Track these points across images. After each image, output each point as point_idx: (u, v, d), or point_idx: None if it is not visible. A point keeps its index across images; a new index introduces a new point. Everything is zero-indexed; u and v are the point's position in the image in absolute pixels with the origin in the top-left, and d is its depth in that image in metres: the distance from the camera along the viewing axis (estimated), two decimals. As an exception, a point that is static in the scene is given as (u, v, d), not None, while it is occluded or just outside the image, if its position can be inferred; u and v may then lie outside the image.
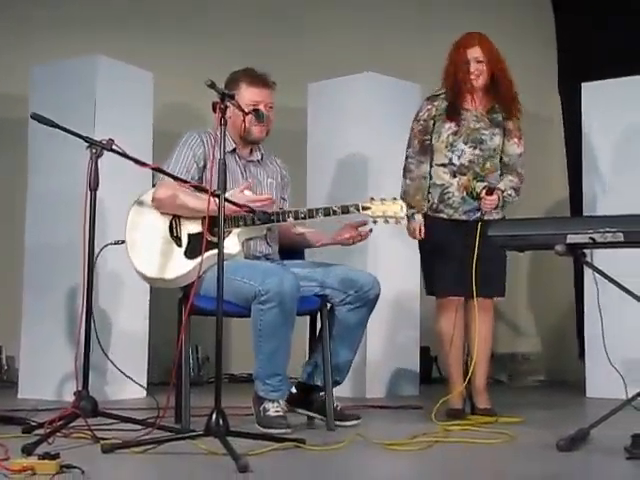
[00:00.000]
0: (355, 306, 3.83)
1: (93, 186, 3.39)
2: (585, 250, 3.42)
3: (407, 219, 4.19)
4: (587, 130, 5.56)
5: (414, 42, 6.91)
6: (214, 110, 3.30)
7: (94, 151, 3.37)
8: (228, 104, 3.25)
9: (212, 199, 3.23)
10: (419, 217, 4.30)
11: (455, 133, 4.28)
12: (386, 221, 3.76)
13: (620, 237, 3.13)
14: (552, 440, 3.21)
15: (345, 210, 3.74)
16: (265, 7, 6.73)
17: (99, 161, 3.39)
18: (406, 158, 4.37)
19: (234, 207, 3.54)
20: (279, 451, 3.11)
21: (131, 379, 3.75)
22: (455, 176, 4.28)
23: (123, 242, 3.79)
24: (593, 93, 5.55)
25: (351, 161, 5.56)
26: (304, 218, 3.78)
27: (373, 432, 3.54)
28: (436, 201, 4.30)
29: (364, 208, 3.74)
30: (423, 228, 4.28)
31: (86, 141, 3.37)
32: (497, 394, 4.94)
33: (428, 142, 4.32)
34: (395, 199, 3.77)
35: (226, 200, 3.26)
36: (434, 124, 4.32)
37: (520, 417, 4.12)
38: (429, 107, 4.34)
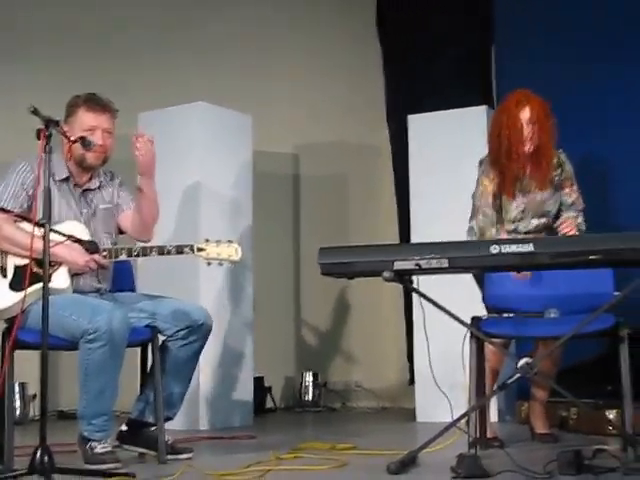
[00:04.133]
0: (187, 341, 3.79)
1: None
2: (413, 277, 3.51)
3: None
4: (413, 159, 5.75)
5: (246, 74, 6.95)
6: (38, 137, 3.21)
7: None
8: (53, 131, 3.17)
9: (37, 231, 3.14)
10: None
11: (523, 210, 4.22)
12: (220, 263, 3.75)
13: (445, 263, 3.23)
14: (383, 464, 3.27)
15: (179, 250, 3.71)
16: (93, 34, 6.60)
17: None
18: (475, 213, 4.23)
19: (60, 238, 3.45)
20: (108, 487, 3.04)
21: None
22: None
23: (-59, 271, 3.62)
24: (418, 124, 5.76)
25: (183, 192, 5.51)
26: (137, 255, 3.72)
27: (206, 463, 3.50)
28: None
29: (199, 249, 3.71)
30: None
31: None
32: (330, 422, 4.99)
33: (499, 201, 4.22)
34: (230, 242, 3.75)
35: (51, 230, 3.17)
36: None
37: (352, 443, 4.16)
38: (492, 177, 4.19)
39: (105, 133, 3.83)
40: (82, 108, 3.82)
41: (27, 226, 3.49)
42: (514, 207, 4.24)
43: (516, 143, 4.13)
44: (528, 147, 4.15)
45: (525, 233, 4.25)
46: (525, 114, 4.13)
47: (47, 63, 6.40)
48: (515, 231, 4.26)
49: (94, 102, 3.84)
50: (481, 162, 4.32)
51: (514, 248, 3.20)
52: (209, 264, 3.76)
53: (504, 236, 4.17)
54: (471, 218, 4.28)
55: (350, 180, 7.40)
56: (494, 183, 4.20)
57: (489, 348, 4.06)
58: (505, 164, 4.16)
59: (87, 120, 3.80)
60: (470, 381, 3.81)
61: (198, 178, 5.50)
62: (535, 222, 4.28)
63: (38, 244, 3.22)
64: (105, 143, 3.83)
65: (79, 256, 3.63)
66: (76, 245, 3.57)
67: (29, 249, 3.27)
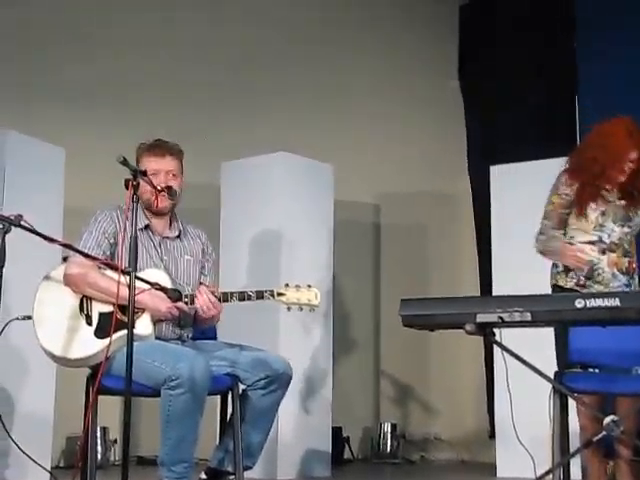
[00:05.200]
0: (268, 390, 3.77)
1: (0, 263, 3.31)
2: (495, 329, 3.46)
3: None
4: (496, 209, 5.72)
5: (327, 123, 7.02)
6: (126, 187, 3.28)
7: (1, 227, 3.30)
8: (140, 181, 3.23)
9: (122, 279, 3.19)
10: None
11: (603, 213, 4.23)
12: (300, 308, 3.76)
13: (528, 317, 3.18)
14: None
15: (260, 295, 3.72)
16: (179, 85, 6.75)
17: (6, 237, 3.32)
18: (540, 231, 4.30)
19: (144, 285, 3.50)
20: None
21: (34, 461, 3.63)
22: (605, 253, 4.22)
23: (30, 318, 3.69)
24: (500, 175, 5.74)
25: (264, 240, 5.56)
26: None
27: (284, 514, 3.48)
28: (583, 278, 4.21)
29: (279, 294, 3.73)
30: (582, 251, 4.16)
31: (-7, 217, 3.30)
32: (409, 474, 4.93)
33: (566, 216, 4.28)
34: (310, 286, 3.76)
35: (136, 278, 3.22)
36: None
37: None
38: (571, 183, 4.26)
39: (169, 175, 3.86)
40: (145, 154, 3.90)
41: (111, 273, 3.55)
42: (593, 209, 4.23)
43: (611, 171, 4.16)
44: (621, 179, 4.18)
45: (610, 244, 4.21)
46: (633, 154, 4.15)
47: (129, 113, 6.54)
48: (600, 241, 4.22)
49: (155, 147, 3.91)
50: (558, 177, 4.32)
51: (600, 302, 3.13)
52: (289, 309, 3.77)
53: (586, 248, 4.18)
54: (539, 233, 4.31)
55: (430, 230, 7.39)
56: (572, 191, 4.23)
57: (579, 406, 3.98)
58: (591, 179, 4.18)
59: (148, 165, 3.82)
60: (554, 437, 3.72)
61: (279, 227, 5.55)
62: (618, 230, 4.22)
63: (122, 291, 3.28)
64: (168, 185, 3.81)
65: (161, 303, 3.67)
66: (159, 292, 3.61)
67: (114, 296, 3.32)
